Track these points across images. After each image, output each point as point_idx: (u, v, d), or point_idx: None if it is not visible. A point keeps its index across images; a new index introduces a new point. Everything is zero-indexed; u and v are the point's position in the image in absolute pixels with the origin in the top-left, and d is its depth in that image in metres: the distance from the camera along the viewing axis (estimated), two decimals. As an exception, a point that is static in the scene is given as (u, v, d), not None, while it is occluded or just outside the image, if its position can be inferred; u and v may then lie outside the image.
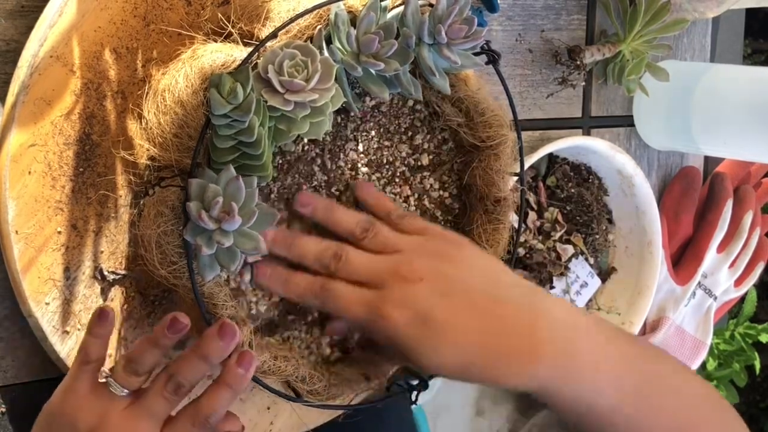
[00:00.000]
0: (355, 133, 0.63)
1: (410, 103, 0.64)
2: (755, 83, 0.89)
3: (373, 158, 0.63)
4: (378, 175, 0.64)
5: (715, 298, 1.04)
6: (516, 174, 0.66)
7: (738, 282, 1.07)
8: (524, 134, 0.69)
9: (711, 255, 1.02)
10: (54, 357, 0.60)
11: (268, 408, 0.69)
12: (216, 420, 0.52)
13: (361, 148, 0.63)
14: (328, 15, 0.58)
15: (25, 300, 0.58)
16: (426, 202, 0.65)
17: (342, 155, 0.62)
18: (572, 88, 0.91)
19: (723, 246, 1.03)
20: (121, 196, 0.60)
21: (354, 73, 0.58)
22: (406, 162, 0.64)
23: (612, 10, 0.89)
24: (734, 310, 1.46)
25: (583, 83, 0.92)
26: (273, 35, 0.56)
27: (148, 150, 0.57)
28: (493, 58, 0.62)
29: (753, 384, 1.77)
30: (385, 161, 0.64)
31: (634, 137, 0.99)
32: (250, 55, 0.55)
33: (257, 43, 0.56)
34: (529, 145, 0.85)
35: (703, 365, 1.37)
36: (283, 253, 0.58)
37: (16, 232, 0.57)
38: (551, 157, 0.91)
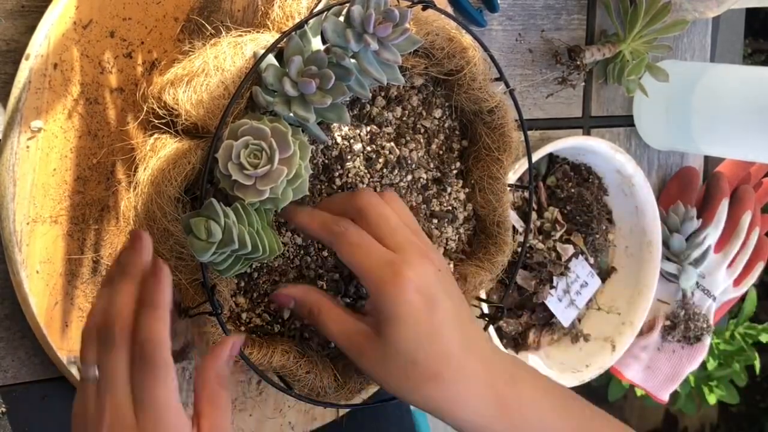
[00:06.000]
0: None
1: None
2: (755, 83, 0.89)
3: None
4: (388, 130, 0.65)
5: (714, 299, 1.04)
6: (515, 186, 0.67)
7: (737, 282, 1.06)
8: (524, 134, 0.69)
9: (708, 255, 1.02)
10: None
11: (280, 410, 0.70)
12: (155, 348, 0.46)
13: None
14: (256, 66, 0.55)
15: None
16: (429, 129, 0.66)
17: None
18: (572, 88, 0.91)
19: (721, 246, 1.03)
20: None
21: (309, 124, 0.57)
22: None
23: (612, 10, 0.89)
24: (734, 310, 1.47)
25: (583, 83, 0.92)
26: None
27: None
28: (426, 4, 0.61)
29: (753, 384, 1.77)
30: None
31: (634, 137, 0.99)
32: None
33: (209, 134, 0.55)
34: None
35: (703, 365, 1.37)
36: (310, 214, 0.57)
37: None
38: (551, 157, 0.91)
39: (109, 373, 0.46)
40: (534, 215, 0.89)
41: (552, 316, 0.91)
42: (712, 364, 1.45)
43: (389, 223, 0.57)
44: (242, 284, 0.61)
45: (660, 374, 1.03)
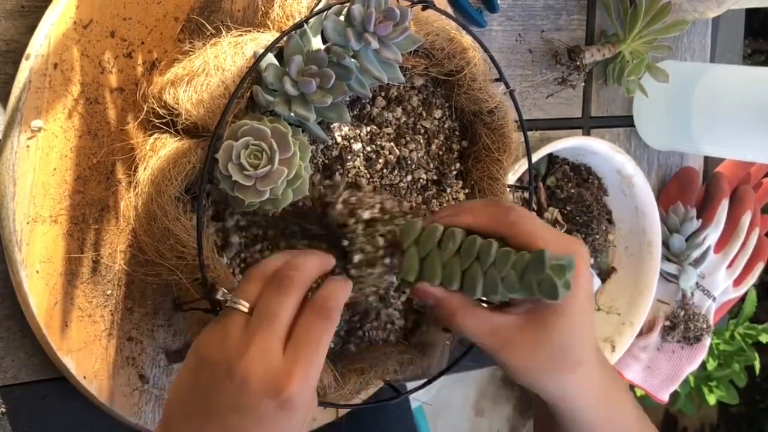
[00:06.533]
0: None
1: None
2: (755, 83, 0.89)
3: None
4: (388, 130, 0.65)
5: (714, 299, 1.04)
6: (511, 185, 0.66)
7: (737, 282, 1.07)
8: (524, 134, 0.69)
9: (708, 255, 1.02)
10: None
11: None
12: (334, 305, 0.51)
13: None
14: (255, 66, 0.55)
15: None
16: (429, 130, 0.66)
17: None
18: (572, 89, 0.91)
19: (720, 246, 1.03)
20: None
21: (309, 123, 0.58)
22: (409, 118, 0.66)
23: (612, 11, 0.89)
24: (734, 311, 1.47)
25: (583, 83, 0.92)
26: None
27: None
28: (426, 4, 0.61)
29: (753, 384, 1.77)
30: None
31: (634, 137, 0.99)
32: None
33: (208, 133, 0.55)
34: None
35: (703, 365, 1.37)
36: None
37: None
38: (551, 158, 0.91)
39: (275, 311, 0.49)
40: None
41: (552, 316, 0.91)
42: (712, 365, 1.45)
43: (541, 221, 0.58)
44: None
45: (660, 374, 1.03)
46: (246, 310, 0.50)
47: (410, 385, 0.65)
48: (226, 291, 0.51)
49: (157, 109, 0.57)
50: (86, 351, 0.61)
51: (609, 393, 0.60)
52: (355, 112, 0.63)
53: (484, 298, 0.58)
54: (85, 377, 0.61)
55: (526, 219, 0.56)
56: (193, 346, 0.51)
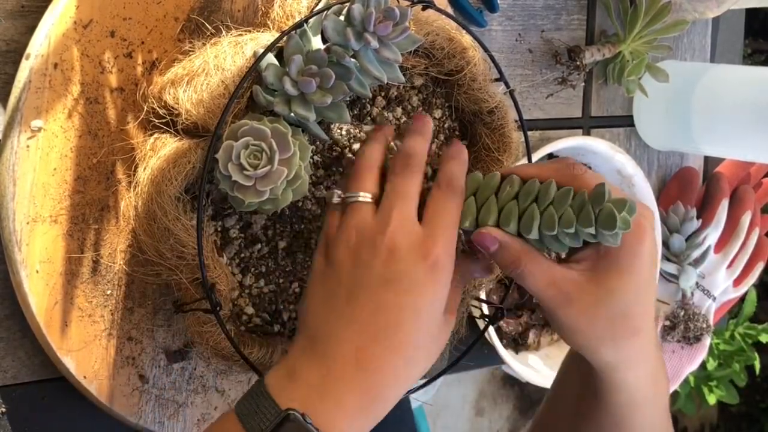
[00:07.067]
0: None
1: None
2: (755, 83, 0.89)
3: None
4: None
5: (714, 299, 1.04)
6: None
7: (737, 282, 1.07)
8: (524, 134, 0.69)
9: (708, 255, 1.02)
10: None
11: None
12: (458, 182, 0.55)
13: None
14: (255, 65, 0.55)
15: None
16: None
17: None
18: (572, 89, 0.91)
19: (720, 246, 1.04)
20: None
21: (309, 123, 0.58)
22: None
23: (612, 11, 0.89)
24: (734, 311, 1.47)
25: (583, 83, 0.92)
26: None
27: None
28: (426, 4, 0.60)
29: (753, 384, 1.77)
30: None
31: (634, 137, 0.99)
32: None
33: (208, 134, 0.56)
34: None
35: (703, 365, 1.37)
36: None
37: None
38: (551, 158, 0.91)
39: (407, 189, 0.53)
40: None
41: (552, 316, 0.91)
42: (712, 364, 1.45)
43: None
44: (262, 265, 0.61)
45: (660, 374, 1.03)
46: (371, 200, 0.53)
47: (410, 385, 0.65)
48: (340, 192, 0.55)
49: (157, 109, 0.57)
50: (86, 351, 0.61)
51: (657, 374, 0.58)
52: (355, 112, 0.63)
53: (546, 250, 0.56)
54: (85, 377, 0.61)
55: (592, 173, 0.55)
56: (320, 250, 0.54)
